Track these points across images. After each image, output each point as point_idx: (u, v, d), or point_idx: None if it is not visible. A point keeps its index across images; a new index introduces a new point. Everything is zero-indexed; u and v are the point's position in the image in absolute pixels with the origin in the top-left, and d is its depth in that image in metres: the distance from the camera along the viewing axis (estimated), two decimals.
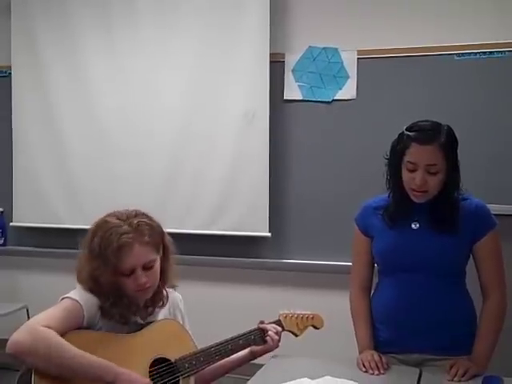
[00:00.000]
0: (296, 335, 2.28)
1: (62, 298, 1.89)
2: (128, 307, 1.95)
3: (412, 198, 2.13)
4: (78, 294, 1.89)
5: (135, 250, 1.90)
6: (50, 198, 4.35)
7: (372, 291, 2.32)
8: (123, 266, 1.90)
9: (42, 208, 4.37)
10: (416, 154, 2.06)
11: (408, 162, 2.07)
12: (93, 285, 1.91)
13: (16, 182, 4.43)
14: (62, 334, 1.76)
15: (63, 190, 4.33)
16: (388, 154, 2.17)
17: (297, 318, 2.28)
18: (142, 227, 1.93)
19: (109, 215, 1.97)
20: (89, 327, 1.87)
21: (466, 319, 2.18)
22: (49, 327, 1.74)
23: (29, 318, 4.12)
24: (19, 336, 1.72)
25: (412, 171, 2.07)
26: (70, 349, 1.73)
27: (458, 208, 2.13)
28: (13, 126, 4.40)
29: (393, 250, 2.19)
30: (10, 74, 4.41)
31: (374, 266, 2.31)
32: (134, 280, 1.92)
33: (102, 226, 1.93)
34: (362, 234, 2.29)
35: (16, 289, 4.55)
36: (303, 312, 2.32)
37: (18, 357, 1.71)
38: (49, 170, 4.36)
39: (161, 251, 2.01)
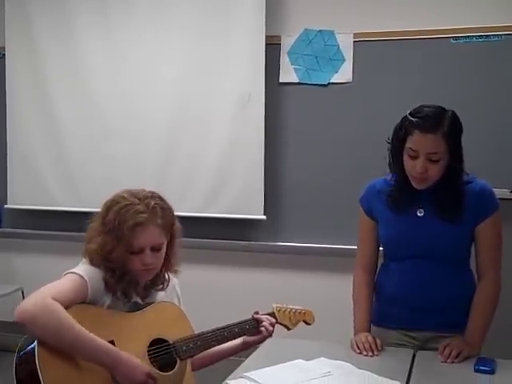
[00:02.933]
0: (288, 328, 2.35)
1: (66, 273, 1.91)
2: (129, 284, 1.97)
3: (413, 184, 2.12)
4: (82, 270, 1.91)
5: (148, 230, 1.94)
6: (46, 181, 4.34)
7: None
8: (134, 244, 1.93)
9: (37, 190, 4.35)
10: (418, 141, 2.04)
11: (409, 148, 2.06)
12: (101, 258, 1.93)
13: (11, 164, 4.41)
14: (67, 308, 1.78)
15: (59, 173, 4.32)
16: (390, 137, 2.16)
17: (290, 312, 2.35)
18: (157, 209, 1.98)
19: (125, 192, 2.00)
20: (92, 303, 1.89)
21: (470, 300, 2.19)
22: (56, 300, 1.76)
23: (24, 299, 4.14)
24: (28, 305, 1.74)
25: (413, 158, 2.06)
26: (75, 326, 1.75)
27: (462, 195, 2.12)
28: (7, 108, 4.38)
29: (398, 236, 2.20)
30: (4, 55, 4.38)
31: (378, 249, 2.32)
32: (140, 259, 1.95)
33: (119, 201, 1.96)
34: (366, 216, 2.29)
35: (11, 271, 4.55)
36: (296, 307, 2.38)
37: (24, 325, 1.73)
38: (44, 152, 4.34)
39: (168, 236, 2.04)
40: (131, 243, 1.93)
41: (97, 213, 2.02)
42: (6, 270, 4.52)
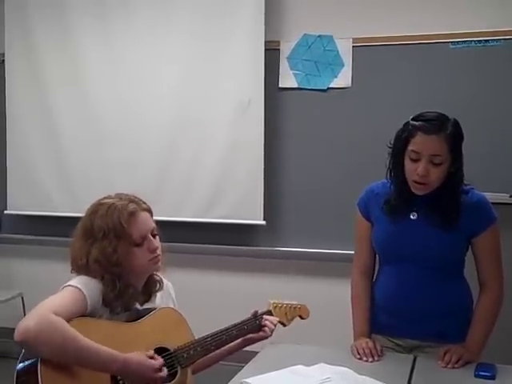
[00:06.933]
0: (284, 325, 2.33)
1: (64, 287, 1.88)
2: (130, 298, 1.96)
3: (412, 189, 2.10)
4: (80, 282, 1.88)
5: (142, 217, 1.97)
6: (45, 186, 4.34)
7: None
8: (135, 234, 1.94)
9: (36, 196, 4.35)
10: (421, 143, 2.02)
11: (412, 150, 2.04)
12: (103, 265, 1.91)
13: (10, 170, 4.41)
14: (68, 321, 1.74)
15: (58, 178, 4.32)
16: (391, 142, 2.14)
17: (285, 307, 2.33)
18: (136, 199, 2.01)
19: (98, 201, 2.00)
20: (90, 315, 1.87)
21: (462, 308, 2.20)
22: (57, 315, 1.72)
23: (24, 305, 4.14)
24: (30, 324, 1.67)
25: (415, 161, 2.04)
26: (80, 339, 1.72)
27: (458, 204, 2.10)
28: (7, 114, 4.38)
29: (389, 239, 2.19)
30: (4, 61, 4.39)
31: (375, 251, 2.31)
32: (147, 247, 1.96)
33: (99, 209, 1.96)
34: (363, 218, 2.28)
35: (11, 276, 4.55)
36: (291, 302, 2.37)
37: (27, 345, 1.67)
38: (43, 157, 4.35)
39: None
40: (131, 235, 1.93)
41: (75, 234, 1.99)
42: (5, 276, 4.52)
